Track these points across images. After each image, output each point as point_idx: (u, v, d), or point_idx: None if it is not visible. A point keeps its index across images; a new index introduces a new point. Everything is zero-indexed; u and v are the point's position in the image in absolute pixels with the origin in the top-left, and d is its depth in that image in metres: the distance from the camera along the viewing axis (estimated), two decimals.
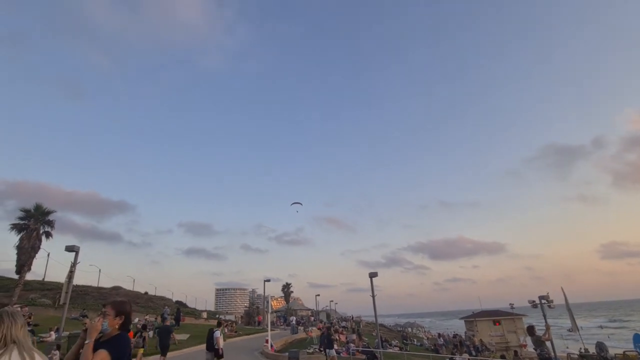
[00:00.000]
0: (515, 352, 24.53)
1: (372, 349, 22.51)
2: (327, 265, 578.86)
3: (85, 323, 13.57)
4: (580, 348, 22.38)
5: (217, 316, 50.95)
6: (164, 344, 13.19)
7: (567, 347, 21.04)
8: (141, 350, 13.19)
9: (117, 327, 2.66)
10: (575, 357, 16.41)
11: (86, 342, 2.45)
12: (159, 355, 13.16)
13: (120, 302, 2.80)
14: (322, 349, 15.96)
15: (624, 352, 11.45)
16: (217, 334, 11.72)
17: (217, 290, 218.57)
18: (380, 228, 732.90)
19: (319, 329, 37.33)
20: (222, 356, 11.71)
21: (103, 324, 2.60)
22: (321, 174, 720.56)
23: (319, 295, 50.72)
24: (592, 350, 19.81)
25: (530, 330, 11.26)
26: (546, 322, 10.73)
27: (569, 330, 15.81)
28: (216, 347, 11.50)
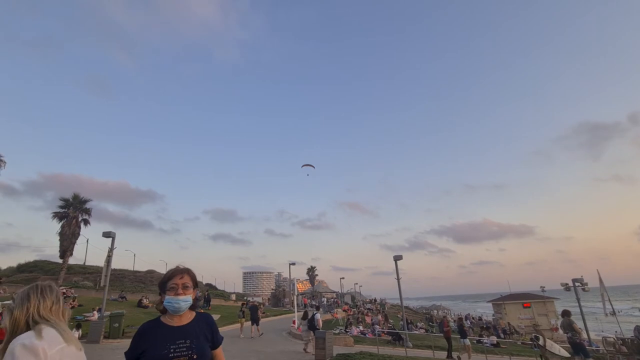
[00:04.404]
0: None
1: (397, 331, 22.66)
2: (351, 249, 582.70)
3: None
4: (617, 331, 21.56)
5: (245, 298, 52.83)
6: (255, 317, 18.02)
7: (603, 331, 20.27)
8: (243, 320, 18.03)
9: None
10: (611, 341, 15.83)
11: None
12: (250, 324, 18.07)
13: (193, 270, 2.09)
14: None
15: None
16: (318, 316, 13.89)
17: (244, 273, 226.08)
18: (402, 212, 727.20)
19: (344, 310, 37.95)
20: None
21: (187, 299, 1.94)
22: (342, 159, 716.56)
23: (343, 278, 51.26)
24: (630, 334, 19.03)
25: (566, 312, 10.90)
26: (577, 328, 10.52)
27: (605, 315, 15.22)
28: (317, 327, 13.37)
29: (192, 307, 2.01)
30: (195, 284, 2.03)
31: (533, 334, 13.32)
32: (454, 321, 47.90)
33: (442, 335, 17.23)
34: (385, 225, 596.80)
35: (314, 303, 45.00)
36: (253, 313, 18.38)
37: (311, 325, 13.69)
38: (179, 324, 1.93)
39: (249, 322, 18.33)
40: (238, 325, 18.51)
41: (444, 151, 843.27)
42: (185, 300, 1.91)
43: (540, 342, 11.04)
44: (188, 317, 1.97)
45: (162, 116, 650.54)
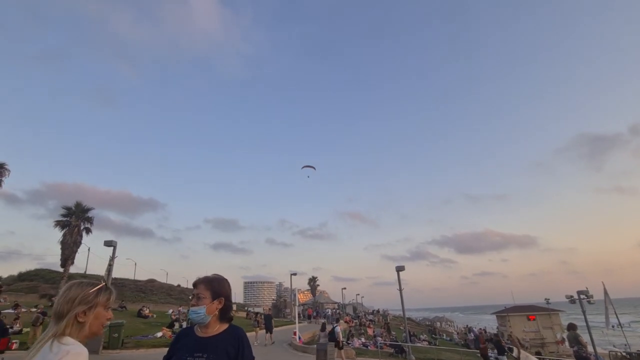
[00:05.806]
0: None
1: (400, 343, 22.30)
2: (352, 260, 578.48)
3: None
4: (625, 344, 21.15)
5: (246, 308, 52.34)
6: (269, 326, 18.99)
7: (614, 346, 19.87)
8: (257, 329, 19.57)
9: (217, 313, 1.87)
10: (618, 355, 15.51)
11: None
12: (265, 332, 19.25)
13: (217, 279, 1.94)
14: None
15: None
16: (338, 329, 14.65)
17: (245, 283, 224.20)
18: (403, 222, 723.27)
19: (346, 321, 37.43)
20: (342, 347, 14.25)
21: (198, 310, 1.82)
22: (343, 168, 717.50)
23: (345, 288, 50.74)
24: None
25: (571, 325, 10.70)
26: (583, 341, 10.35)
27: (612, 328, 14.96)
28: (337, 339, 14.03)
29: (224, 319, 1.92)
30: (215, 294, 1.88)
31: (507, 346, 13.05)
32: (457, 333, 47.19)
33: (445, 348, 16.92)
34: (386, 235, 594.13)
35: (328, 314, 44.54)
36: (267, 322, 19.42)
37: (332, 338, 14.02)
38: (205, 335, 1.85)
39: (264, 331, 19.57)
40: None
41: (444, 161, 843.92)
42: (195, 312, 1.83)
43: (514, 353, 10.79)
44: (216, 328, 1.87)
45: (165, 126, 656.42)
